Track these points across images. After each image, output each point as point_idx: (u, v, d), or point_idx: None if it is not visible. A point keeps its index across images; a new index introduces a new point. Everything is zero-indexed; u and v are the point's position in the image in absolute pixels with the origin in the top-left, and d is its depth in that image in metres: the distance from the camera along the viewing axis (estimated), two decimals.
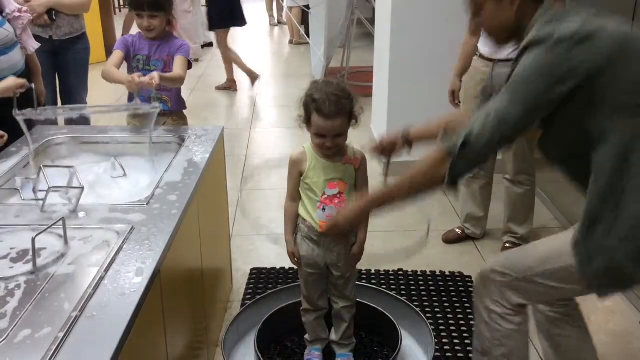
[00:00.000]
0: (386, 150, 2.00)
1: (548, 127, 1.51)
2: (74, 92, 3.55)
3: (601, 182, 1.43)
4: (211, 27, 5.94)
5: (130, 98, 2.53)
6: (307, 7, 7.08)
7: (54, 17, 3.34)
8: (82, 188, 1.77)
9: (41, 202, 1.72)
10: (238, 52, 6.04)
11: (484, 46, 2.74)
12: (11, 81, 2.17)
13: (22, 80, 2.20)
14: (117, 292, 1.35)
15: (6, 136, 2.13)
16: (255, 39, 9.13)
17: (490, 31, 1.64)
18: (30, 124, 2.82)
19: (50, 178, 1.81)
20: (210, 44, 7.83)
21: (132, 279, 1.40)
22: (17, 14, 2.55)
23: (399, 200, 1.63)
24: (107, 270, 1.43)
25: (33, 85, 2.16)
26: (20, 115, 1.97)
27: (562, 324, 1.81)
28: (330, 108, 1.79)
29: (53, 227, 1.54)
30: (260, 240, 3.17)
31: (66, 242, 1.55)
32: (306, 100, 1.85)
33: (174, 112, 2.67)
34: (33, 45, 2.77)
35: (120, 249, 1.53)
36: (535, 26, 1.47)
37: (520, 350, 1.73)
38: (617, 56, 1.38)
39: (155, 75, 2.29)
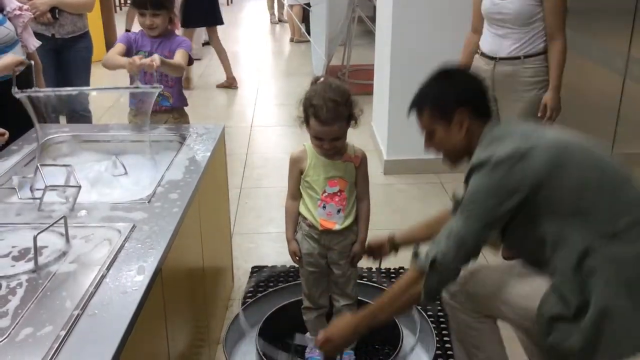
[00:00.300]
0: (375, 254, 2.09)
1: (507, 237, 1.64)
2: (73, 81, 3.54)
3: (564, 284, 1.50)
4: (186, 25, 5.86)
5: (132, 81, 2.54)
6: (308, 4, 7.07)
7: (57, 16, 3.35)
8: (79, 187, 1.76)
9: (38, 201, 1.72)
10: (239, 51, 6.04)
11: (485, 44, 2.73)
12: (10, 58, 2.16)
13: (21, 58, 2.19)
14: (118, 291, 1.35)
15: (7, 134, 2.13)
16: (256, 37, 9.13)
17: (444, 153, 1.77)
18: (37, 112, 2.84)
19: (49, 177, 1.81)
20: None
21: (133, 277, 1.40)
22: (17, 12, 2.55)
23: (385, 317, 1.73)
24: (108, 268, 1.43)
25: (32, 62, 2.16)
26: (19, 94, 1.97)
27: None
28: (327, 115, 1.80)
29: (54, 225, 1.55)
30: (261, 239, 3.18)
31: (67, 240, 1.55)
32: (305, 103, 1.85)
33: (175, 108, 2.67)
34: (34, 44, 2.77)
35: (121, 247, 1.53)
36: (477, 148, 1.61)
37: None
38: (554, 166, 1.50)
39: (156, 57, 2.31)
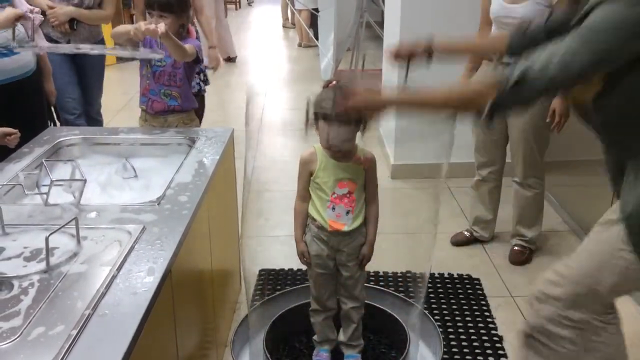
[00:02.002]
0: (403, 57, 1.90)
1: (612, 85, 1.44)
2: (89, 92, 3.60)
3: None
4: None
5: (142, 73, 2.59)
6: (316, 10, 7.10)
7: (75, 27, 3.39)
8: (84, 180, 1.79)
9: (45, 196, 1.74)
10: (247, 55, 6.05)
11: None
12: (9, 11, 2.13)
13: (20, 11, 2.16)
14: (129, 291, 1.37)
15: (18, 134, 2.14)
16: (264, 41, 9.17)
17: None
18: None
19: (55, 174, 1.83)
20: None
21: (143, 278, 1.42)
22: (28, 15, 2.58)
23: (427, 108, 1.56)
24: (119, 269, 1.45)
25: (33, 17, 2.14)
26: (18, 48, 1.98)
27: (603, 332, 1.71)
28: (337, 116, 1.80)
29: (66, 226, 1.57)
30: (269, 242, 3.19)
31: (79, 241, 1.57)
32: (315, 105, 1.86)
33: (184, 110, 2.64)
34: (43, 47, 2.80)
35: (132, 248, 1.54)
36: None
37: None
38: None
39: (161, 25, 2.29)
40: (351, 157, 1.95)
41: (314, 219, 1.98)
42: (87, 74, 3.54)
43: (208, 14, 3.97)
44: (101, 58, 3.64)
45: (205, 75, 3.82)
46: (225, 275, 2.44)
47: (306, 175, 1.97)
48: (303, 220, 2.02)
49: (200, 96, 3.93)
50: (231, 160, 2.53)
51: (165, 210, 1.77)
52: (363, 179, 1.98)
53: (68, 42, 3.39)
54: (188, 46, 2.48)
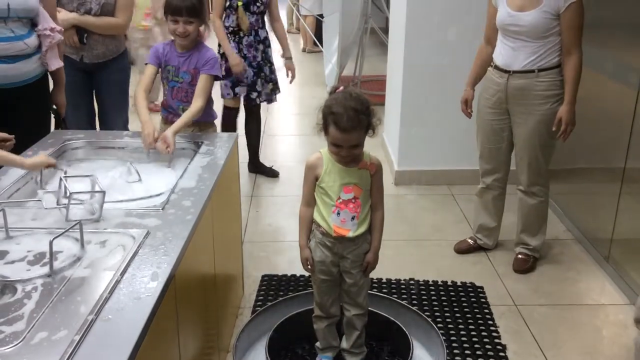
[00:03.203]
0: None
1: None
2: (109, 116, 3.27)
3: None
4: None
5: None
6: (321, 15, 7.12)
7: (85, 41, 3.04)
8: (104, 192, 1.77)
9: (65, 211, 1.73)
10: None
11: (499, 57, 2.73)
12: (40, 158, 2.09)
13: (52, 160, 2.10)
14: (132, 296, 1.36)
15: (13, 140, 2.11)
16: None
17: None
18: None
19: (71, 187, 1.80)
20: None
21: (147, 283, 1.41)
22: (47, 33, 2.49)
23: None
24: (122, 274, 1.44)
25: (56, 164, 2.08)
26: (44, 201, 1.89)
27: None
28: (348, 123, 1.81)
29: (70, 230, 1.56)
30: (272, 248, 3.18)
31: (82, 245, 1.56)
32: (325, 111, 1.86)
33: (202, 122, 2.61)
34: (55, 65, 2.62)
35: (135, 253, 1.54)
36: None
37: None
38: None
39: (171, 143, 2.24)
40: (358, 162, 1.94)
41: (318, 225, 1.97)
42: (103, 96, 3.23)
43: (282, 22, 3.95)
44: (119, 78, 3.26)
45: (276, 85, 3.86)
46: (228, 280, 2.43)
47: (312, 179, 1.96)
48: (308, 226, 2.01)
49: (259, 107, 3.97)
50: (235, 165, 2.53)
51: (169, 215, 1.77)
52: (369, 184, 1.97)
53: (81, 59, 3.08)
54: (202, 87, 2.47)
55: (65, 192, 1.76)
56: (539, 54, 2.61)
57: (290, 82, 4.01)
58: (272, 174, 4.11)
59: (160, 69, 2.57)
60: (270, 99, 3.91)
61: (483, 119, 2.89)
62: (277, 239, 3.29)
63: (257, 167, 4.15)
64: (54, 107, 2.79)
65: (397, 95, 3.96)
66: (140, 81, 2.53)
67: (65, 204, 1.73)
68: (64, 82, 2.79)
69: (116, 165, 2.28)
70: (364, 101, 1.85)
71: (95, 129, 3.31)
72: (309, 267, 2.02)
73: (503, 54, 2.70)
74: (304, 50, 8.55)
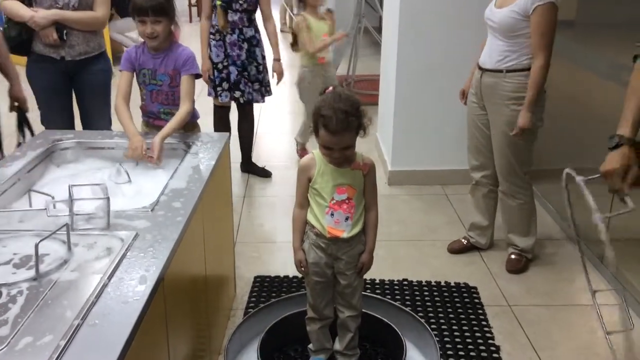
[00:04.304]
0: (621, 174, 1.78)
1: None
2: (92, 118, 3.13)
3: None
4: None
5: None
6: None
7: (65, 37, 2.92)
8: (108, 198, 1.72)
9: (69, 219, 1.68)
10: None
11: (482, 53, 2.75)
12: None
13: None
14: (120, 300, 1.33)
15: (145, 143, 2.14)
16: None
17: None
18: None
19: (77, 195, 1.75)
20: None
21: (135, 286, 1.39)
22: None
23: None
24: (110, 277, 1.42)
25: None
26: None
27: None
28: (337, 126, 1.79)
29: (57, 233, 1.54)
30: (264, 248, 3.16)
31: (69, 248, 1.54)
32: (314, 113, 1.84)
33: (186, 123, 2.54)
34: None
35: (123, 256, 1.51)
36: None
37: None
38: None
39: (156, 151, 2.20)
40: (350, 162, 1.92)
41: (312, 226, 1.95)
42: (84, 98, 3.11)
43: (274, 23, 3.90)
44: (101, 79, 3.12)
45: (263, 85, 3.82)
46: (220, 282, 2.40)
47: (305, 181, 1.94)
48: (301, 228, 1.99)
49: (251, 107, 3.94)
50: (227, 165, 2.50)
51: (159, 216, 1.74)
52: (362, 184, 1.95)
53: (62, 58, 2.95)
54: (186, 88, 2.41)
55: (71, 201, 1.71)
56: (509, 54, 2.61)
57: (277, 84, 3.97)
58: (264, 174, 4.08)
59: (135, 74, 2.48)
60: (255, 99, 3.83)
61: (469, 114, 2.90)
62: (269, 239, 3.27)
63: (249, 167, 4.12)
64: (16, 104, 2.74)
65: (391, 95, 3.94)
66: (117, 91, 2.42)
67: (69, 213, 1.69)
68: (17, 75, 2.69)
69: (106, 166, 2.26)
70: (354, 102, 1.83)
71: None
72: (303, 269, 2.00)
73: (484, 50, 2.74)
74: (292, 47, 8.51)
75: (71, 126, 3.15)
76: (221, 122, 3.88)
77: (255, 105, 4.00)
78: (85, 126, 3.16)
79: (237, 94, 3.74)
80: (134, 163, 2.25)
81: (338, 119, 1.78)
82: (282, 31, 10.05)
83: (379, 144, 4.40)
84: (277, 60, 3.88)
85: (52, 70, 2.94)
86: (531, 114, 2.58)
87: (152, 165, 2.22)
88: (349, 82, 6.22)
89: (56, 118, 3.02)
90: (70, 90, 3.11)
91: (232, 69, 3.67)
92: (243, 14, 3.62)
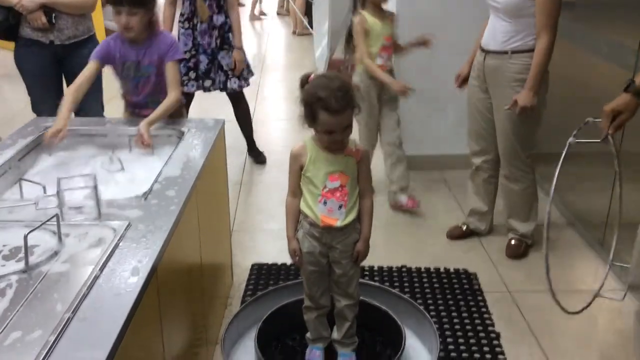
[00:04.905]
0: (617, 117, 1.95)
1: None
2: (84, 103, 2.91)
3: None
4: None
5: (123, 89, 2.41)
6: None
7: (53, 21, 2.87)
8: (94, 186, 1.67)
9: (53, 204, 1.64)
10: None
11: (484, 35, 2.71)
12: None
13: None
14: (112, 292, 1.30)
15: (65, 130, 2.04)
16: (258, 30, 9.06)
17: None
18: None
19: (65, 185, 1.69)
20: None
21: (127, 278, 1.35)
22: None
23: None
24: (102, 269, 1.38)
25: None
26: None
27: None
28: (339, 103, 1.74)
29: (47, 223, 1.50)
30: (262, 236, 3.13)
31: (60, 239, 1.50)
32: (309, 99, 1.78)
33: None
34: None
35: (116, 246, 1.48)
36: None
37: None
38: None
39: (145, 135, 2.15)
40: (343, 148, 1.88)
41: (305, 215, 1.92)
42: (75, 79, 3.11)
43: (238, 11, 3.76)
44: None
45: (244, 73, 3.74)
46: (216, 270, 2.37)
47: (297, 169, 1.90)
48: (295, 217, 1.95)
49: (238, 94, 3.85)
50: (222, 152, 2.46)
51: (152, 205, 1.70)
52: (355, 171, 1.91)
53: (51, 42, 2.91)
54: (172, 75, 2.33)
55: (60, 193, 1.66)
56: (514, 34, 2.56)
57: (235, 74, 3.74)
58: (258, 160, 4.04)
59: (113, 67, 2.40)
60: (231, 87, 3.73)
61: (470, 97, 2.85)
62: (267, 226, 3.24)
63: (251, 153, 4.09)
64: None
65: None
66: (76, 79, 2.30)
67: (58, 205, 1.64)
68: None
69: (99, 154, 2.21)
70: (344, 80, 1.81)
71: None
72: (297, 258, 1.97)
73: (486, 32, 2.69)
74: (294, 32, 8.43)
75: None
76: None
77: (252, 90, 3.94)
78: (77, 112, 3.10)
79: (208, 82, 3.67)
80: (127, 150, 2.21)
81: (337, 97, 1.73)
82: (278, 14, 9.97)
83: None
84: (238, 48, 3.69)
85: (41, 55, 2.89)
86: (533, 93, 2.53)
87: (144, 152, 2.17)
88: (347, 65, 6.15)
89: (47, 103, 2.95)
90: (61, 75, 3.05)
91: (202, 57, 3.61)
92: (212, 1, 3.54)
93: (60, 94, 3.05)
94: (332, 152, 1.86)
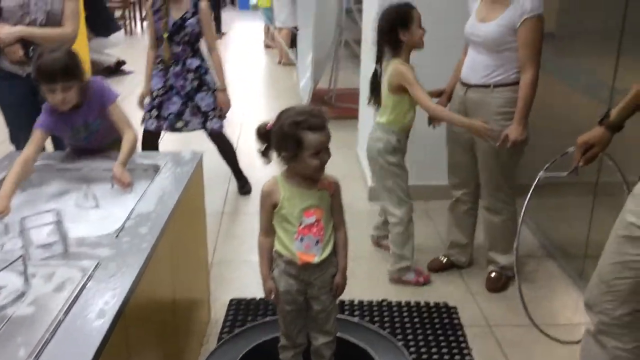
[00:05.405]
0: (590, 151, 1.99)
1: None
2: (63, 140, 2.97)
3: None
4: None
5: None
6: (296, 28, 7.08)
7: (31, 54, 2.75)
8: (58, 221, 1.65)
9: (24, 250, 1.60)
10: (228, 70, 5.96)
11: (464, 69, 2.71)
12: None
13: None
14: (76, 336, 1.27)
15: (7, 211, 1.93)
16: (245, 59, 9.12)
17: None
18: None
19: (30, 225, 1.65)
20: None
21: (93, 321, 1.32)
22: None
23: None
24: (67, 312, 1.35)
25: None
26: None
27: None
28: (320, 119, 1.77)
29: (14, 264, 1.47)
30: (243, 268, 3.09)
31: (27, 279, 1.47)
32: (289, 129, 1.76)
33: (118, 141, 2.39)
34: None
35: (83, 287, 1.45)
36: None
37: None
38: None
39: (123, 177, 2.12)
40: (317, 182, 1.87)
41: (280, 254, 1.89)
42: None
43: (220, 53, 3.74)
44: None
45: (214, 112, 3.71)
46: (192, 307, 2.34)
47: (269, 207, 1.88)
48: (269, 256, 1.93)
49: (219, 134, 3.83)
50: (200, 185, 2.44)
51: (123, 243, 1.68)
52: (329, 204, 1.90)
53: (28, 75, 2.78)
54: (118, 119, 2.30)
55: (23, 233, 1.62)
56: (495, 69, 2.57)
57: (222, 115, 3.77)
58: (243, 190, 4.04)
59: (64, 135, 2.39)
60: (205, 127, 3.72)
61: (449, 131, 2.86)
62: (248, 259, 3.20)
63: (238, 182, 4.11)
64: None
65: (369, 109, 3.90)
66: (24, 150, 2.17)
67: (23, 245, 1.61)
68: None
69: (74, 189, 2.19)
70: (307, 106, 1.84)
71: (43, 150, 3.12)
72: (274, 299, 1.94)
73: (466, 66, 2.69)
74: (279, 62, 8.50)
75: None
76: (146, 147, 3.68)
77: (236, 120, 3.94)
78: (56, 145, 3.08)
79: (180, 124, 3.67)
80: (101, 185, 2.18)
81: (316, 114, 1.76)
82: (267, 47, 10.02)
83: (360, 159, 4.36)
84: (222, 90, 3.70)
85: (18, 87, 2.86)
86: (522, 127, 2.54)
87: (126, 191, 2.15)
88: (330, 96, 6.19)
89: (25, 135, 2.90)
90: (39, 107, 3.01)
91: (175, 99, 3.62)
92: (186, 46, 3.56)
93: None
94: (310, 184, 1.85)
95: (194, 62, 3.61)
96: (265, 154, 1.89)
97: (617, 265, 1.68)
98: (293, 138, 1.76)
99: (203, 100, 3.65)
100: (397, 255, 2.89)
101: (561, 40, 3.30)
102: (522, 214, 2.12)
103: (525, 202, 2.05)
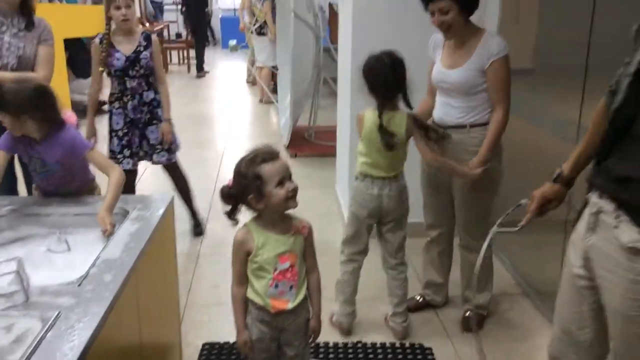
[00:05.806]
0: (547, 206, 1.96)
1: None
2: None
3: None
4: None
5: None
6: (276, 68, 7.17)
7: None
8: (16, 272, 1.63)
9: None
10: (208, 112, 5.99)
11: (436, 112, 2.75)
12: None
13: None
14: None
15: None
16: (225, 98, 9.18)
17: None
18: None
19: None
20: None
21: None
22: None
23: None
24: None
25: None
26: None
27: None
28: (271, 150, 1.82)
29: None
30: (217, 310, 3.06)
31: None
32: (246, 169, 1.80)
33: (83, 190, 2.44)
34: None
35: (42, 339, 1.42)
36: None
37: None
38: None
39: (107, 224, 2.07)
40: (290, 226, 1.88)
41: (254, 303, 1.88)
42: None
43: (167, 85, 3.74)
44: None
45: (161, 146, 3.69)
46: (162, 352, 2.29)
47: (243, 256, 1.87)
48: (244, 307, 1.92)
49: (173, 166, 3.82)
50: (170, 229, 2.42)
51: (86, 292, 1.65)
52: (302, 249, 1.90)
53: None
54: (98, 161, 2.29)
55: None
56: (470, 110, 2.61)
57: (169, 150, 3.74)
58: (196, 231, 3.99)
59: (24, 157, 2.38)
60: (152, 160, 3.72)
61: (424, 171, 2.88)
62: (222, 301, 3.16)
63: (192, 220, 4.03)
64: None
65: (346, 147, 3.94)
66: None
67: None
68: None
69: (45, 234, 2.16)
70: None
71: (17, 194, 3.07)
72: (249, 350, 1.92)
73: (439, 109, 2.73)
74: (260, 101, 8.57)
75: (15, 191, 3.02)
76: (124, 189, 3.69)
77: (216, 159, 3.92)
78: (26, 174, 3.02)
79: (141, 154, 3.67)
80: (72, 229, 2.16)
81: (265, 148, 1.82)
82: (253, 83, 10.08)
83: (338, 197, 4.37)
84: (167, 120, 3.69)
85: None
86: (483, 164, 2.56)
87: (94, 229, 2.13)
88: (310, 133, 6.24)
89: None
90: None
91: (136, 131, 3.62)
92: (140, 79, 3.56)
93: (10, 171, 2.99)
94: (284, 229, 1.86)
95: (149, 95, 3.61)
96: (232, 214, 1.88)
97: (575, 315, 1.69)
98: (252, 175, 1.79)
99: (152, 133, 3.65)
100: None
101: (530, 81, 3.38)
102: (477, 266, 2.11)
103: (482, 253, 2.04)
